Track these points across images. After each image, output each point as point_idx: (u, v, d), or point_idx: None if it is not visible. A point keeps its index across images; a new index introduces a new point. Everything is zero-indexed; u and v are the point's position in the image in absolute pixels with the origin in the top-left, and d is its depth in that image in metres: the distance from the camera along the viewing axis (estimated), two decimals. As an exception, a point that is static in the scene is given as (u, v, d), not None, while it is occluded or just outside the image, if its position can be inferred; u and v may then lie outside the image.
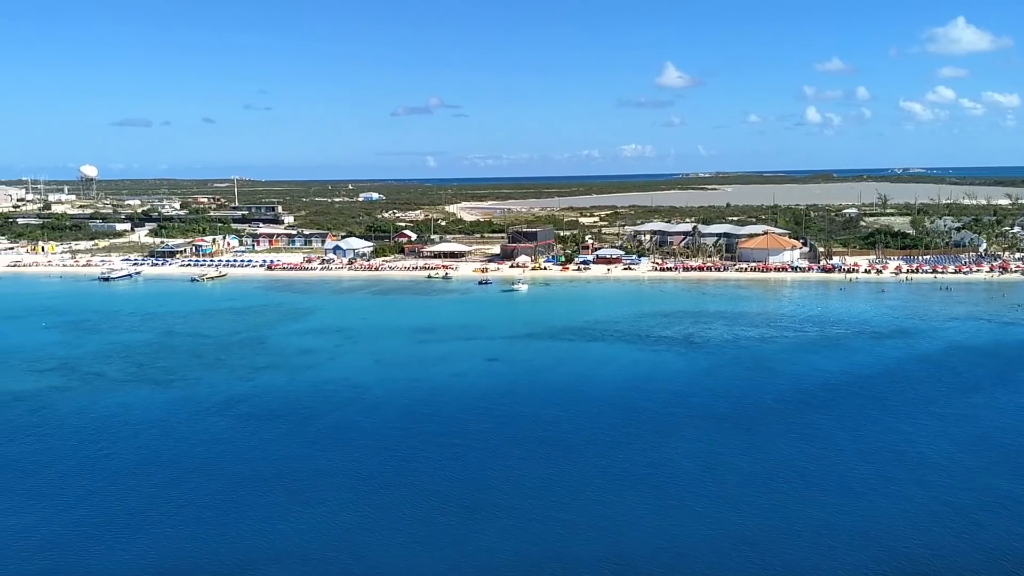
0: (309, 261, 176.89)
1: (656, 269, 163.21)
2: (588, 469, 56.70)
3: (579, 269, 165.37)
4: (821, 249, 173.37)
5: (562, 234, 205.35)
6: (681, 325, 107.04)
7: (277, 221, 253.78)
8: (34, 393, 76.64)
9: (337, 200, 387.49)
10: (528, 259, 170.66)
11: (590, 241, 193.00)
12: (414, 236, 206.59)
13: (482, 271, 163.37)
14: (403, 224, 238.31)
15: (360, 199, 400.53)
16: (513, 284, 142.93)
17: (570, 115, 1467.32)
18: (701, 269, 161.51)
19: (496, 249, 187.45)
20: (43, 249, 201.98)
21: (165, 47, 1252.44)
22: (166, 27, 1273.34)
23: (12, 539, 46.55)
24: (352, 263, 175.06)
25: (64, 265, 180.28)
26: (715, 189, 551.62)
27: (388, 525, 48.43)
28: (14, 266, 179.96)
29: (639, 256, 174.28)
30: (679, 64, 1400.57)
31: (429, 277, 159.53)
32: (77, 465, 58.02)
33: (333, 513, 50.02)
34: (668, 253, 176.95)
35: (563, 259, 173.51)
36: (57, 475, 56.13)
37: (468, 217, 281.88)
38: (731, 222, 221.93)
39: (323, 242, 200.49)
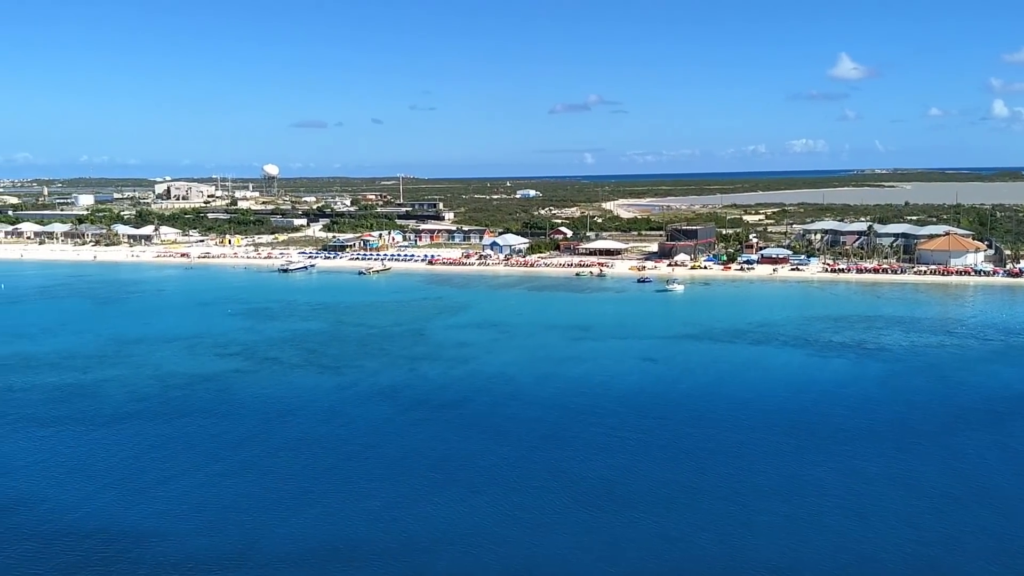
0: (467, 256, 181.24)
1: (827, 270, 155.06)
2: (744, 476, 54.52)
3: (742, 269, 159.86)
4: (1007, 252, 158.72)
5: (724, 232, 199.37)
6: (852, 330, 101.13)
7: (438, 217, 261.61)
8: (218, 375, 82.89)
9: (495, 197, 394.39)
10: (687, 257, 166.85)
11: (755, 240, 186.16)
12: (570, 233, 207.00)
13: (639, 269, 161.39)
14: (559, 221, 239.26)
15: (517, 196, 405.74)
16: (668, 283, 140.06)
17: (736, 109, 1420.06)
18: (876, 271, 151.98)
19: (654, 247, 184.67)
20: (230, 242, 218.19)
21: (339, 53, 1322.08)
22: (339, 35, 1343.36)
23: (190, 512, 50.38)
24: (508, 259, 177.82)
25: (248, 257, 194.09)
26: (893, 187, 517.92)
27: (536, 518, 48.61)
28: (204, 257, 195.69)
29: (808, 256, 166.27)
30: (854, 55, 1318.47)
31: (578, 275, 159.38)
32: (251, 444, 62.08)
33: (485, 503, 50.77)
34: (840, 254, 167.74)
35: (725, 258, 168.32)
36: (233, 454, 60.28)
37: (625, 214, 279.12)
38: (910, 222, 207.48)
39: (481, 238, 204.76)
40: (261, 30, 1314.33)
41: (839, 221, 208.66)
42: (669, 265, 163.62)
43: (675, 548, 45.08)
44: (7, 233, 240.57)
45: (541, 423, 66.48)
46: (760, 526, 47.27)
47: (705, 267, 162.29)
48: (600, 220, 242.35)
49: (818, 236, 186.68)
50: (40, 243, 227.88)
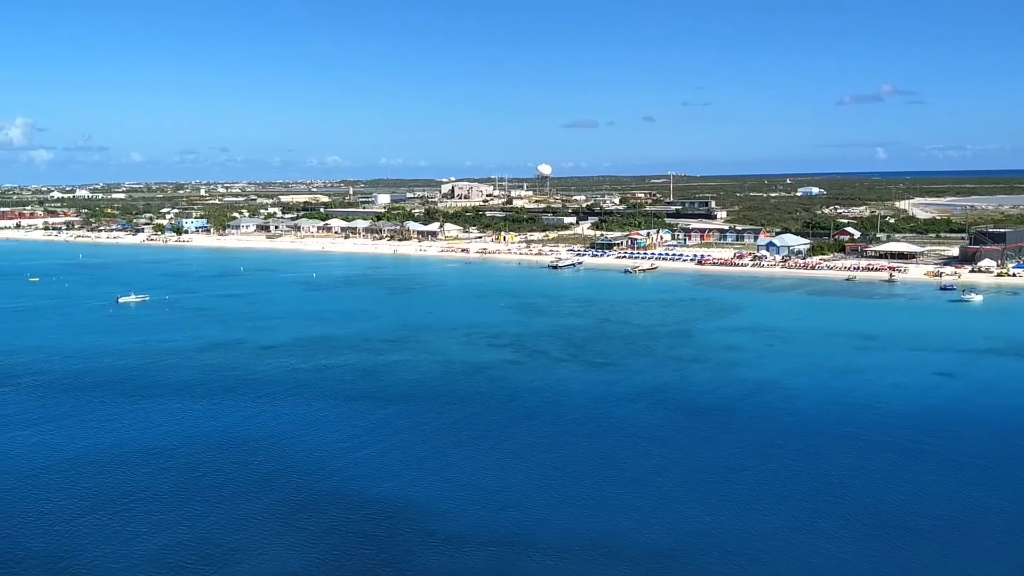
0: (740, 257, 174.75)
1: None
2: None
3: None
4: None
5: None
6: None
7: (709, 216, 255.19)
8: (492, 364, 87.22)
9: (773, 195, 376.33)
10: (993, 264, 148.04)
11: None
12: (857, 234, 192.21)
13: (935, 275, 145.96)
14: (845, 221, 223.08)
15: (798, 194, 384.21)
16: (963, 292, 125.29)
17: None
18: None
19: (954, 251, 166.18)
20: (504, 238, 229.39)
21: (611, 52, 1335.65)
22: (612, 34, 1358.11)
23: (467, 493, 53.26)
24: (786, 261, 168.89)
25: (520, 253, 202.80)
26: None
27: (810, 538, 45.53)
28: (482, 252, 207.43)
29: None
30: None
31: (848, 280, 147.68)
32: (521, 433, 64.47)
33: (747, 516, 48.48)
34: None
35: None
36: (504, 441, 62.95)
37: (921, 214, 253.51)
38: None
39: (755, 238, 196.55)
40: (538, 34, 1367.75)
41: None
42: (972, 271, 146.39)
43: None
44: (319, 228, 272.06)
45: (815, 436, 62.27)
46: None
47: (1014, 275, 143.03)
48: (892, 220, 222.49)
49: None
50: (345, 237, 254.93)
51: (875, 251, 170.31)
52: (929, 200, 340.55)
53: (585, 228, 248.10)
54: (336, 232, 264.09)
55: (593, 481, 54.32)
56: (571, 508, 50.24)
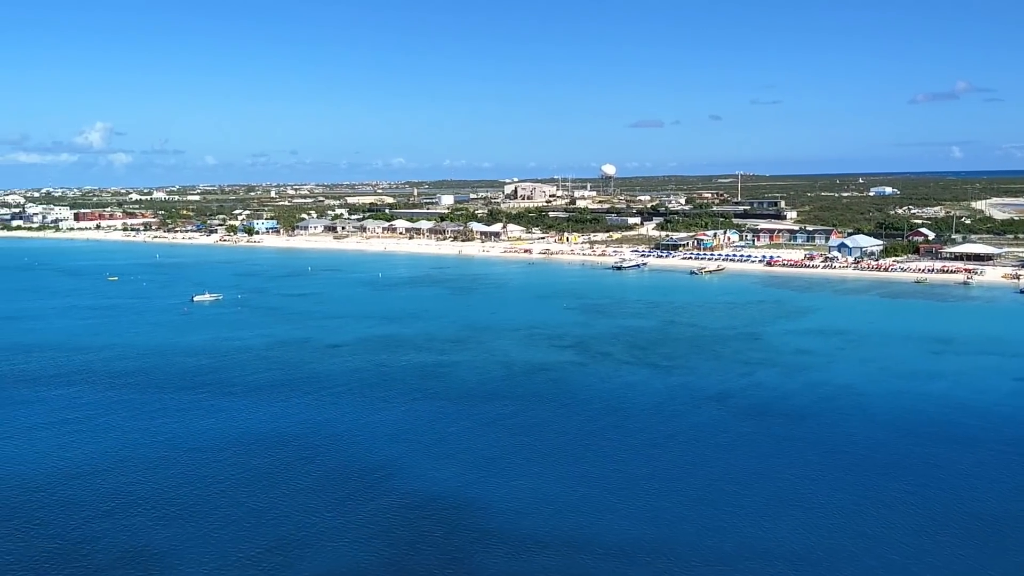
0: (811, 259, 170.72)
1: None
2: None
3: None
4: None
5: None
6: None
7: (779, 216, 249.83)
8: (554, 365, 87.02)
9: (845, 195, 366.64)
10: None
11: None
12: (932, 235, 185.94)
13: (1014, 277, 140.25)
14: (919, 221, 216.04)
15: (870, 194, 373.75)
16: None
17: None
18: None
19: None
20: (568, 239, 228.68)
21: (676, 53, 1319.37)
22: (676, 34, 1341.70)
23: (526, 493, 53.20)
24: (858, 262, 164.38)
25: (584, 254, 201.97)
26: None
27: (884, 546, 44.18)
28: (544, 253, 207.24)
29: None
30: None
31: (917, 282, 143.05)
32: (583, 435, 64.17)
33: (816, 525, 47.30)
34: None
35: None
36: (566, 441, 62.73)
37: (999, 215, 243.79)
38: None
39: (827, 239, 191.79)
40: (603, 33, 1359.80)
41: None
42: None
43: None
44: (384, 229, 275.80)
45: (885, 442, 60.44)
46: None
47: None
48: (968, 221, 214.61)
49: None
50: (409, 238, 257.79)
51: (950, 252, 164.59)
52: (1007, 200, 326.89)
53: (650, 229, 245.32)
54: (401, 233, 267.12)
55: (656, 484, 53.69)
56: (634, 511, 49.72)
